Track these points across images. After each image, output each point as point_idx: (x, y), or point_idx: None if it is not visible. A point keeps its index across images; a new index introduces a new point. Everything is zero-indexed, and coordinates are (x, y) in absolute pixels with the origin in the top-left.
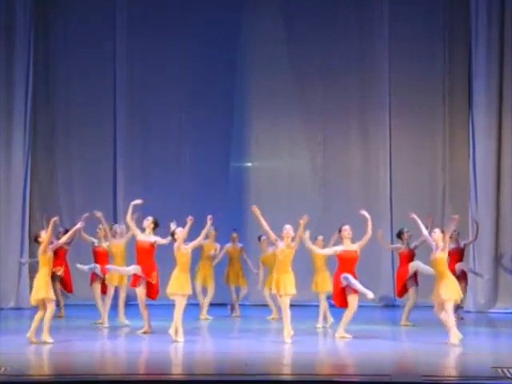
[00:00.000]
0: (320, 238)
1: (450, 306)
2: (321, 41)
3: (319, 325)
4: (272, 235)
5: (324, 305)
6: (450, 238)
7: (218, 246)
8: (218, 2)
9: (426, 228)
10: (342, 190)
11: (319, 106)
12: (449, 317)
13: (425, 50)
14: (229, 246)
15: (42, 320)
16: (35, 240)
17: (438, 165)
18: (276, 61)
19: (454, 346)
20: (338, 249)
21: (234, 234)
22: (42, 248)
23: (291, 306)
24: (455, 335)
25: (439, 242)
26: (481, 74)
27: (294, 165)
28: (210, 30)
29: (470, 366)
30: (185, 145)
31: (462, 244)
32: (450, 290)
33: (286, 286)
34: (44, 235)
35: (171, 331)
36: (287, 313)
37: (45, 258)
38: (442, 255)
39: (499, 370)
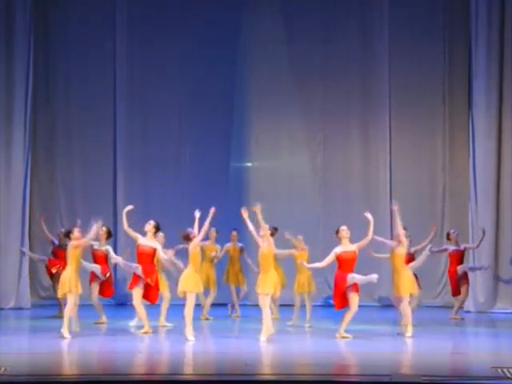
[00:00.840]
0: (300, 237)
1: (406, 300)
2: (321, 41)
3: (307, 324)
4: (256, 237)
5: (298, 304)
6: (449, 239)
7: (218, 247)
8: (218, 2)
9: (429, 238)
10: (342, 190)
11: (319, 105)
12: (406, 310)
13: (425, 50)
14: (229, 245)
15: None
16: (66, 235)
17: (438, 165)
18: (276, 61)
19: (408, 338)
20: (338, 250)
21: (234, 233)
22: (73, 244)
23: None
24: (411, 328)
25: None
26: (481, 74)
27: (293, 165)
28: (210, 30)
29: (470, 366)
30: (185, 145)
31: (462, 246)
32: (407, 285)
33: (261, 285)
34: (77, 233)
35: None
36: (266, 311)
37: (75, 253)
38: (400, 251)
39: (499, 370)
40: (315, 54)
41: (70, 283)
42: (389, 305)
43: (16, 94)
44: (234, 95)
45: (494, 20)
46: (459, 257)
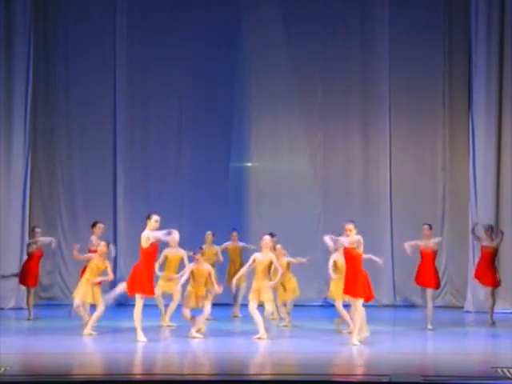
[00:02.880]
0: (278, 246)
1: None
2: (321, 41)
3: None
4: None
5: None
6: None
7: (217, 248)
8: (218, 2)
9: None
10: (342, 190)
11: (319, 105)
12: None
13: (425, 50)
14: (229, 244)
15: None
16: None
17: (438, 165)
18: (276, 61)
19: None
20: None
21: (235, 234)
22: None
23: None
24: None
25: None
26: (481, 74)
27: (293, 165)
28: (210, 30)
29: (470, 366)
30: (185, 144)
31: (483, 242)
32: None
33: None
34: (103, 247)
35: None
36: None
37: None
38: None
39: (499, 370)
40: (315, 54)
41: (92, 295)
42: (389, 305)
43: (16, 94)
44: (234, 95)
45: (494, 20)
46: (492, 254)
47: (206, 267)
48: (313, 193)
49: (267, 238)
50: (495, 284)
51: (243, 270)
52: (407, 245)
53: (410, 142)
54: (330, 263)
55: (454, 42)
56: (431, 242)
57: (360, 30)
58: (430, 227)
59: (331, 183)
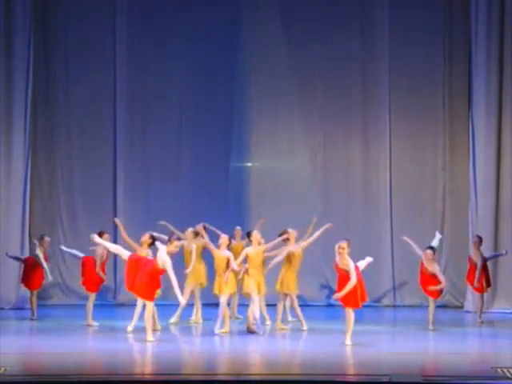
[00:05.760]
0: (255, 232)
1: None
2: (321, 41)
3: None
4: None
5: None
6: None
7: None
8: (218, 2)
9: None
10: (342, 190)
11: (319, 106)
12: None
13: (425, 50)
14: (233, 241)
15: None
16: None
17: (438, 165)
18: (276, 61)
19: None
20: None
21: (238, 228)
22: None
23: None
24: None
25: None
26: (481, 74)
27: (293, 165)
28: (210, 30)
29: (470, 366)
30: (185, 145)
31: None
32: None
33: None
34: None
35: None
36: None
37: None
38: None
39: (499, 370)
40: (315, 54)
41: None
42: (389, 305)
43: (16, 95)
44: (234, 95)
45: (494, 20)
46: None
47: (226, 253)
48: (313, 193)
49: (256, 232)
50: (483, 289)
51: (237, 263)
52: (409, 242)
53: (410, 142)
54: (283, 253)
55: (454, 42)
56: (431, 267)
57: (360, 30)
58: (434, 252)
59: (331, 183)
